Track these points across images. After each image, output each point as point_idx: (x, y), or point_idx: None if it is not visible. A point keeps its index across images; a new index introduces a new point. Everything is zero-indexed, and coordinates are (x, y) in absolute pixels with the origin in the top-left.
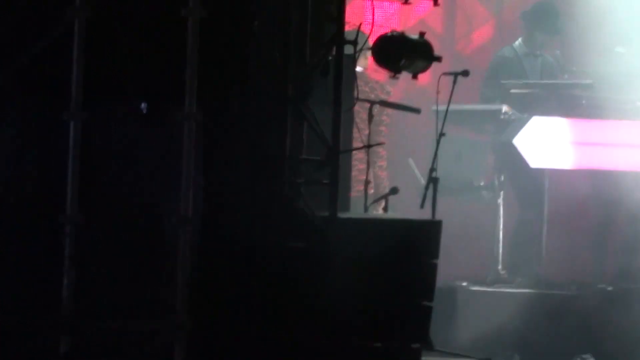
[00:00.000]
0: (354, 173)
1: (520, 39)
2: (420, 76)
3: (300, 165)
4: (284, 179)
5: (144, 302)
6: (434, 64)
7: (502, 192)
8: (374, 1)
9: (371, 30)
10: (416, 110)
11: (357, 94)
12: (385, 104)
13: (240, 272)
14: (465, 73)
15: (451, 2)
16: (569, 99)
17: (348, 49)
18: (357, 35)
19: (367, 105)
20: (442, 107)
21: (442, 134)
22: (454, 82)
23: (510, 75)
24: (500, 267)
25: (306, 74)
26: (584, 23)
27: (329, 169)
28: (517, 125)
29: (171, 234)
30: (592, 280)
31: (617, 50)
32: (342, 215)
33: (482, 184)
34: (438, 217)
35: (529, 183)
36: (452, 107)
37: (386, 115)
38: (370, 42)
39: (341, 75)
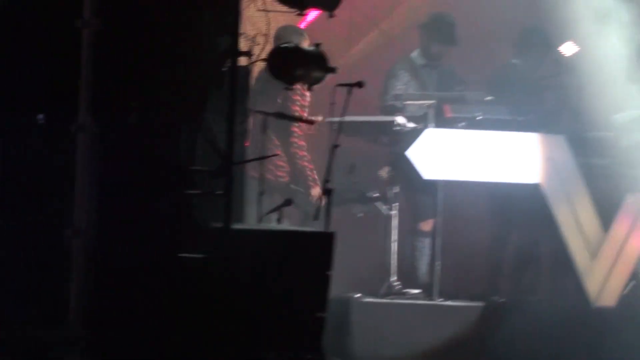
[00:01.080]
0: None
1: (417, 50)
2: (316, 87)
3: (195, 176)
4: (178, 190)
5: (39, 314)
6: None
7: (395, 204)
8: (269, 12)
9: (266, 42)
10: (310, 122)
11: (252, 105)
12: (279, 115)
13: (134, 283)
14: (359, 84)
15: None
16: (464, 111)
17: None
18: (252, 46)
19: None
20: (338, 118)
21: (335, 145)
22: (349, 93)
23: (408, 86)
24: (393, 278)
25: (201, 85)
26: (480, 35)
27: (223, 180)
28: (411, 136)
29: (66, 245)
30: (485, 292)
31: (512, 62)
32: (236, 226)
33: (376, 195)
34: (332, 228)
35: (422, 195)
36: (347, 118)
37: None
38: (265, 54)
39: (235, 86)
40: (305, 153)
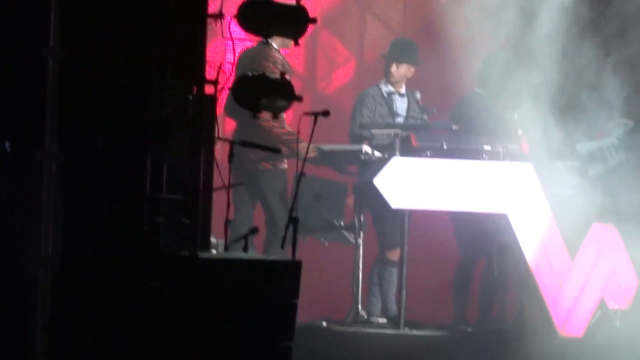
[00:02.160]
0: None
1: (385, 79)
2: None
3: (161, 204)
4: (144, 218)
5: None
6: (295, 104)
7: (362, 232)
8: (234, 41)
9: (232, 71)
10: (276, 151)
11: (218, 133)
12: (245, 144)
13: (101, 311)
14: (325, 113)
15: (312, 42)
16: (430, 140)
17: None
18: (218, 75)
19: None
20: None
21: (302, 174)
22: (315, 122)
23: (375, 114)
24: (360, 307)
25: (167, 113)
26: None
27: (189, 209)
28: (378, 165)
29: (31, 274)
30: (452, 321)
31: (476, 90)
32: (203, 254)
33: (343, 224)
34: (298, 257)
35: (390, 223)
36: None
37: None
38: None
39: (200, 114)
40: (272, 123)
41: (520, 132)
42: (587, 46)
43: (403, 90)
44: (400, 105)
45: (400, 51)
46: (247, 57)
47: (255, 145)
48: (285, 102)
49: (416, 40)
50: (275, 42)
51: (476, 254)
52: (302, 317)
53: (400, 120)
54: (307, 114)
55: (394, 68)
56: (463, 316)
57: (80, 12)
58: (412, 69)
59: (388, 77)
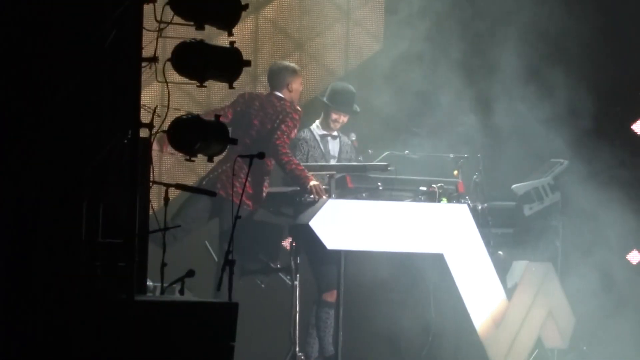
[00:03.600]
0: None
1: (317, 121)
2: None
3: (98, 248)
4: (80, 262)
5: None
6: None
7: (298, 275)
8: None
9: (166, 113)
10: (212, 194)
11: (154, 177)
12: (181, 187)
13: (37, 356)
14: (260, 155)
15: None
16: (365, 181)
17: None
18: (153, 118)
19: None
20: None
21: (237, 217)
22: (250, 164)
23: (309, 157)
24: (297, 349)
25: (103, 156)
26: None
27: (125, 252)
28: (313, 207)
29: None
30: None
31: (413, 130)
32: (139, 297)
33: (279, 266)
34: (235, 299)
35: (326, 265)
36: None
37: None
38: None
39: (136, 157)
40: (290, 157)
41: (455, 172)
42: (525, 90)
43: (335, 132)
44: (333, 147)
45: (338, 101)
46: (262, 110)
47: (190, 189)
48: (219, 145)
49: (356, 80)
50: None
51: (411, 295)
52: (239, 359)
53: (333, 162)
54: (241, 157)
55: (334, 117)
56: (399, 357)
57: (14, 53)
58: (348, 117)
59: (324, 122)
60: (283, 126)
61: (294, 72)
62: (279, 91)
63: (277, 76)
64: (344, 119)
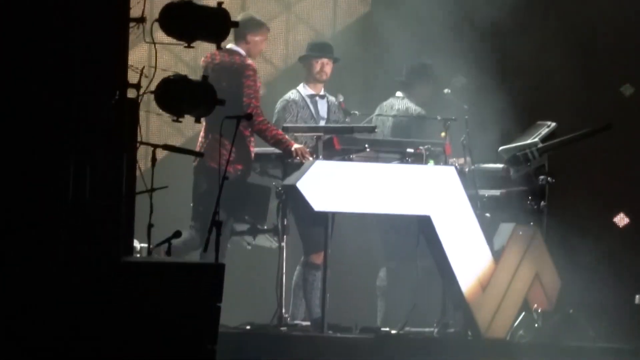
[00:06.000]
0: None
1: (303, 83)
2: None
3: (85, 209)
4: (67, 222)
5: None
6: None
7: (285, 236)
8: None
9: (154, 74)
10: (199, 154)
11: (141, 137)
12: (168, 147)
13: (22, 319)
14: (248, 116)
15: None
16: (352, 142)
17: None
18: (140, 79)
19: None
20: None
21: (225, 178)
22: (237, 125)
23: (297, 118)
24: (284, 310)
25: (90, 117)
26: (366, 67)
27: (112, 213)
28: (300, 168)
29: None
30: (376, 324)
31: (397, 95)
32: (125, 258)
33: (266, 227)
34: (221, 260)
35: (313, 227)
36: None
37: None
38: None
39: (123, 118)
40: (268, 125)
41: (443, 134)
42: (514, 51)
43: (322, 91)
44: (322, 107)
45: (321, 47)
46: (222, 69)
47: (178, 150)
48: (207, 106)
49: (343, 42)
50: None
51: (400, 257)
52: (226, 320)
53: (322, 123)
54: (229, 117)
55: (317, 67)
56: (387, 319)
57: (2, 13)
58: (331, 65)
59: (312, 77)
60: (246, 89)
61: (255, 25)
62: (237, 44)
63: (239, 29)
64: (327, 67)
